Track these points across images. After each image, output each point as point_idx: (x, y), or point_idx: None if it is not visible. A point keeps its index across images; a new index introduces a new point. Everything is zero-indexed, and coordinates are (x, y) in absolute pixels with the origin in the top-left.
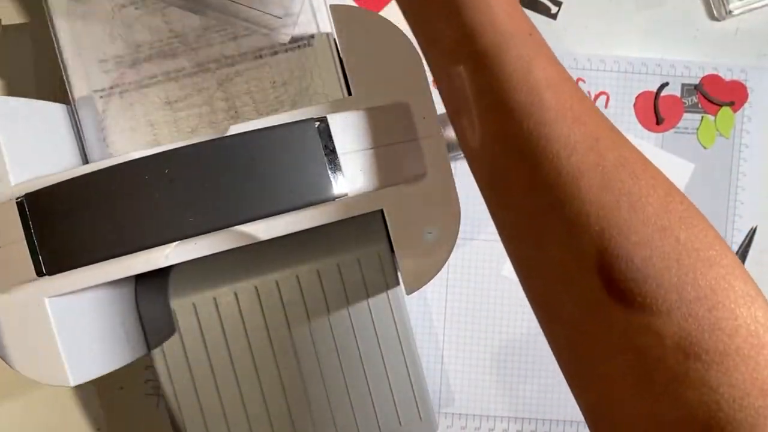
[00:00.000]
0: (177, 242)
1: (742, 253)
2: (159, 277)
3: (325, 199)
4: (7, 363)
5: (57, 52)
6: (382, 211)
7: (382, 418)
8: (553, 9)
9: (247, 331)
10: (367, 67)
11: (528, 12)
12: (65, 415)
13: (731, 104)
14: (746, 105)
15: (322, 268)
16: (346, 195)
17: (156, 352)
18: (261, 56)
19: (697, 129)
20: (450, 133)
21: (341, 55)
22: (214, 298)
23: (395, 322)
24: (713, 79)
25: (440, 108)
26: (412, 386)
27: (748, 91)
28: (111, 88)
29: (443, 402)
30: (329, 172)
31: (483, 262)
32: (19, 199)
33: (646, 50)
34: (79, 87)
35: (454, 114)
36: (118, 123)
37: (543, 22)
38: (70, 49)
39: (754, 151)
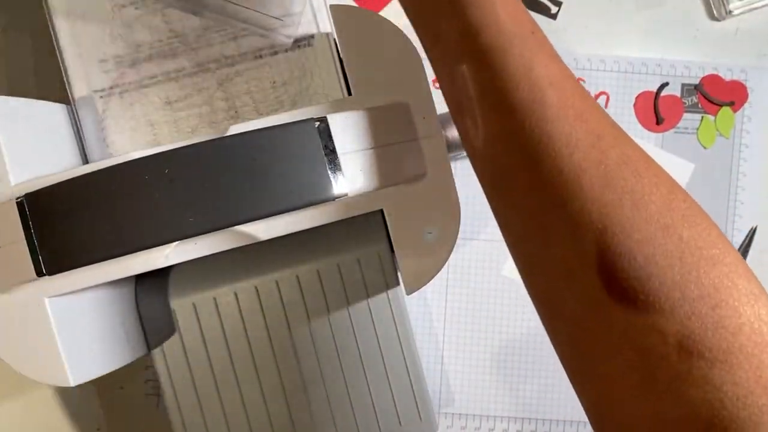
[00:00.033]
0: (177, 242)
1: (743, 253)
2: (159, 277)
3: (325, 199)
4: (7, 363)
5: (57, 52)
6: (382, 211)
7: (382, 418)
8: (553, 9)
9: (247, 331)
10: (367, 67)
11: None
12: (65, 415)
13: (731, 104)
14: (746, 105)
15: (322, 268)
16: (346, 195)
17: (156, 352)
18: (261, 56)
19: (697, 129)
20: (450, 132)
21: (341, 55)
22: (214, 298)
23: (395, 323)
24: (713, 79)
25: (440, 108)
26: (412, 386)
27: (748, 91)
28: (111, 88)
29: (443, 402)
30: (329, 172)
31: (483, 262)
32: (19, 199)
33: (646, 50)
34: (79, 87)
35: (456, 113)
36: (118, 123)
37: (543, 22)
38: (70, 49)
39: (754, 151)
